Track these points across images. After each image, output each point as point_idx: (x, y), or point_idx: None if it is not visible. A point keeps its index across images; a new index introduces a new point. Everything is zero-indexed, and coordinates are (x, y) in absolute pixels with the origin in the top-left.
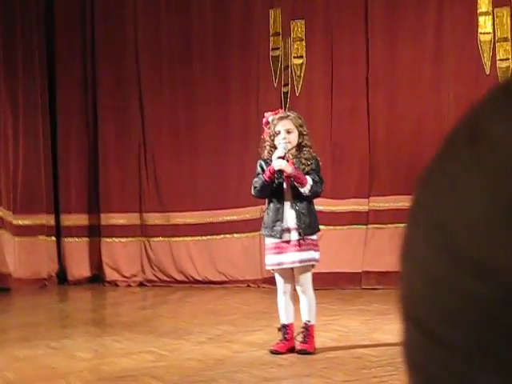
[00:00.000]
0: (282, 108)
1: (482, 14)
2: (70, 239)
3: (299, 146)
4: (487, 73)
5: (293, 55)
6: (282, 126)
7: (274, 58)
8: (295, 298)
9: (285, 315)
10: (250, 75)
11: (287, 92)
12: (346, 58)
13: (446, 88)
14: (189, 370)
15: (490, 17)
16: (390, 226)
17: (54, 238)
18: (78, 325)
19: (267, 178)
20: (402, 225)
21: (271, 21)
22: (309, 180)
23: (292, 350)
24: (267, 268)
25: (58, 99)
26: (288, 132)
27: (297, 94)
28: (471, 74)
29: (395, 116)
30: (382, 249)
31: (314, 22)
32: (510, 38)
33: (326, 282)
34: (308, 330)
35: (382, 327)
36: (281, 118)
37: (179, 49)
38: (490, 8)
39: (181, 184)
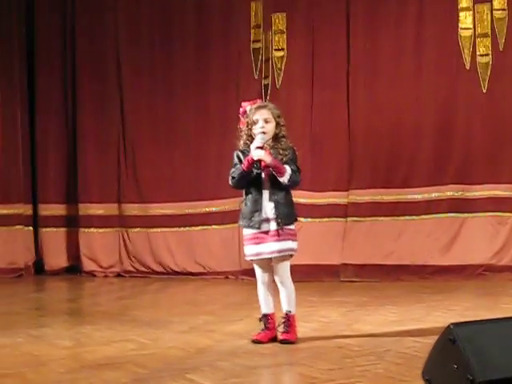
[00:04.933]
0: (260, 99)
1: (463, 9)
2: (48, 229)
3: (276, 137)
4: (467, 67)
5: (274, 48)
6: (260, 115)
7: (255, 50)
8: (275, 288)
9: (265, 305)
10: (230, 67)
11: (268, 84)
12: (327, 51)
13: (427, 81)
14: (172, 358)
15: (471, 12)
16: (368, 219)
17: (31, 228)
18: (56, 314)
19: (245, 168)
20: (381, 218)
21: (252, 13)
22: (287, 169)
23: (274, 339)
24: (246, 258)
25: (36, 88)
26: (266, 121)
27: (277, 87)
28: (451, 68)
29: (375, 109)
30: (361, 242)
31: (295, 15)
32: (489, 33)
33: (304, 274)
34: (289, 319)
35: (361, 318)
36: (259, 108)
37: (160, 38)
38: (471, 4)
39: (159, 175)
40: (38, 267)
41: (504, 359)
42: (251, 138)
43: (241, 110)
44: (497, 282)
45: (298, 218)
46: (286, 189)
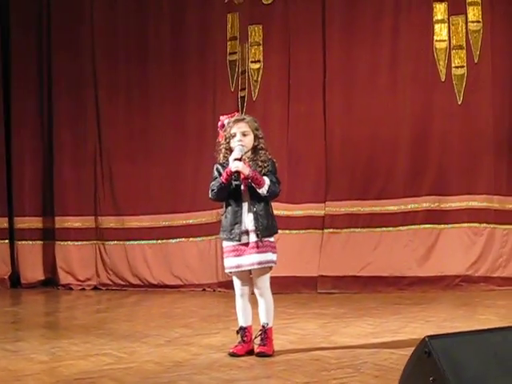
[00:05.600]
0: (238, 112)
1: (438, 21)
2: (24, 242)
3: (255, 149)
4: (442, 79)
5: (250, 60)
6: (237, 129)
7: (232, 63)
8: (254, 301)
9: (243, 318)
10: (207, 79)
11: (244, 96)
12: (303, 63)
13: (402, 93)
14: (148, 372)
15: (446, 25)
16: (345, 230)
17: (7, 241)
18: (32, 328)
19: (224, 180)
20: (358, 230)
21: (229, 25)
22: (266, 180)
23: (251, 352)
24: (226, 271)
25: (12, 100)
26: (244, 134)
27: (254, 99)
28: (427, 80)
29: (351, 121)
30: (338, 253)
31: (271, 27)
32: (465, 45)
33: (282, 286)
34: (266, 332)
35: (339, 330)
36: (236, 121)
37: (136, 51)
38: (446, 16)
39: (136, 187)
40: (14, 280)
41: (480, 372)
42: (230, 151)
43: (219, 123)
44: (473, 293)
45: (277, 230)
46: (265, 200)
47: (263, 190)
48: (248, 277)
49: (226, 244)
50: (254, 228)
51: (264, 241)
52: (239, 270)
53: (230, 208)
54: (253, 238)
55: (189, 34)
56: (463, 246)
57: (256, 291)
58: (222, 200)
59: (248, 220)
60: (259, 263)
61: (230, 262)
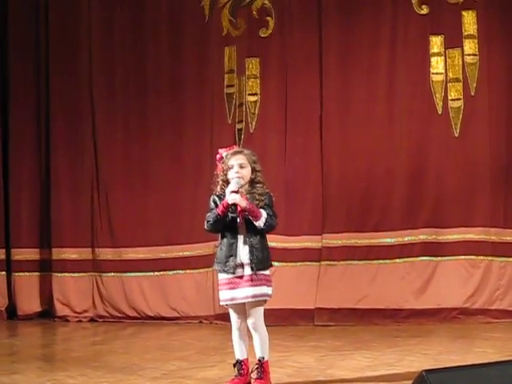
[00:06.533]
0: (235, 144)
1: (435, 54)
2: (21, 274)
3: (252, 182)
4: (439, 112)
5: (247, 92)
6: (235, 161)
7: (229, 95)
8: (250, 334)
9: (239, 351)
10: (204, 111)
11: (241, 129)
12: (300, 96)
13: (399, 126)
14: None
15: (443, 57)
16: (342, 263)
17: (3, 273)
18: (28, 360)
19: (220, 212)
20: (354, 262)
21: (226, 58)
22: (263, 213)
23: None
24: (221, 303)
25: (10, 131)
26: (241, 167)
27: (251, 131)
28: (423, 113)
29: (348, 153)
30: (335, 286)
31: (268, 60)
32: (461, 78)
33: (278, 319)
34: (262, 366)
35: (336, 363)
36: (234, 153)
37: (134, 82)
38: (442, 49)
39: (133, 219)
40: (11, 312)
41: None
42: (227, 183)
43: (218, 156)
44: (471, 326)
45: (272, 263)
46: (261, 233)
47: (260, 223)
48: (244, 310)
49: (221, 276)
50: (248, 261)
51: (259, 274)
52: (233, 302)
53: (225, 240)
54: (247, 270)
55: (186, 67)
56: (460, 278)
57: (250, 324)
58: (217, 231)
59: (243, 253)
60: (253, 296)
61: (225, 295)
